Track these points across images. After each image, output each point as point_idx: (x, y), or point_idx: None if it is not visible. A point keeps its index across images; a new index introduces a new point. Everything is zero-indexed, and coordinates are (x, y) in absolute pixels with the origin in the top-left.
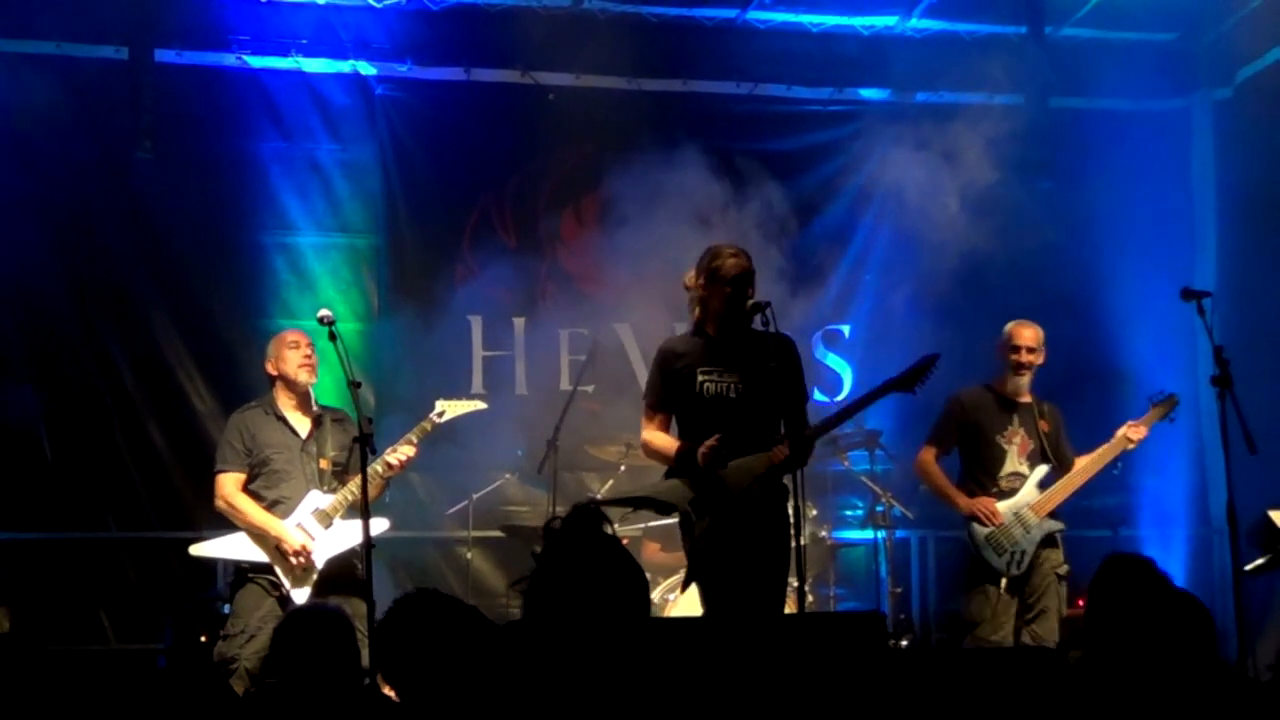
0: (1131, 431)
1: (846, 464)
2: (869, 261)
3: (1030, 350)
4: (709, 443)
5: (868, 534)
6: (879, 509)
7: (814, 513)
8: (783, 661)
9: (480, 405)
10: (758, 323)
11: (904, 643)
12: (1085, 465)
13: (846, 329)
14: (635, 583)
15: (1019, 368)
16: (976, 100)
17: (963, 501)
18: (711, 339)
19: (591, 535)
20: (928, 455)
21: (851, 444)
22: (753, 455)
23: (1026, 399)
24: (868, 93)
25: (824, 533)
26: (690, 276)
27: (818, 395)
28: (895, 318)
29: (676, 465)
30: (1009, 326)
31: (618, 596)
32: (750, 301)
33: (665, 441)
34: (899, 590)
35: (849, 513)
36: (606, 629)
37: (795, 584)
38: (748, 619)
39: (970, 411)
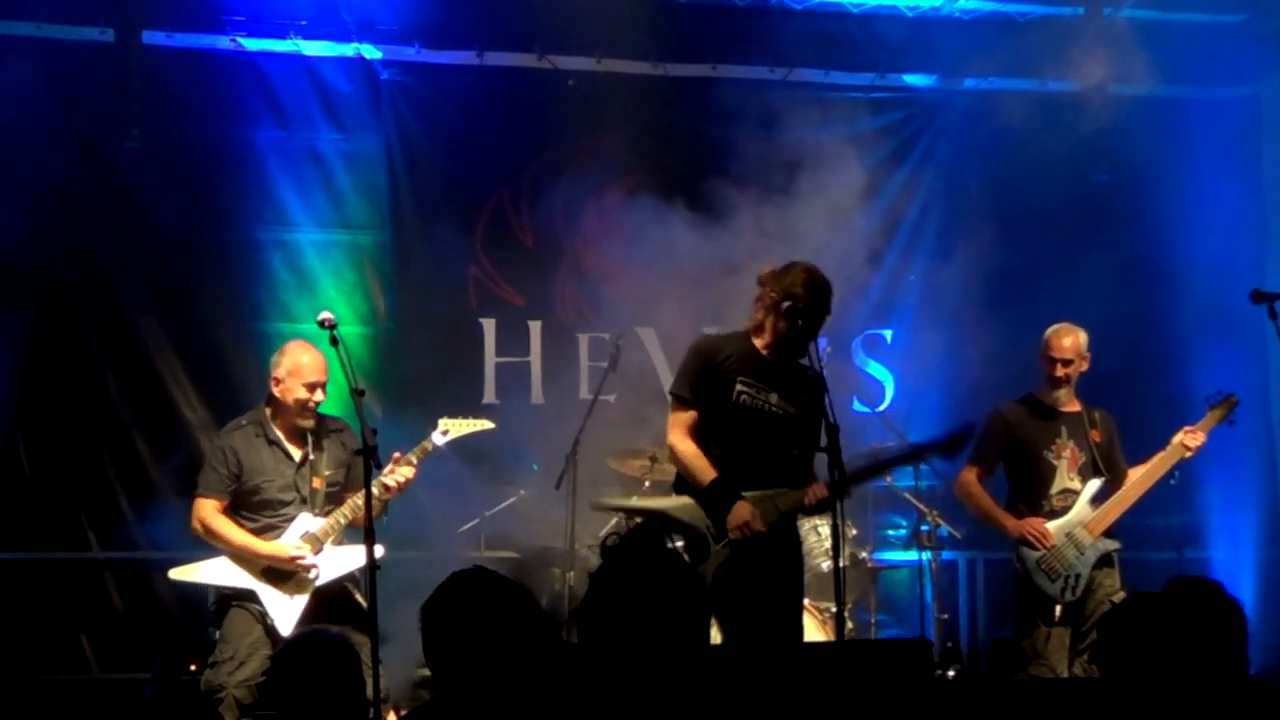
0: (1188, 438)
1: (889, 480)
2: (913, 262)
3: (1067, 362)
4: (752, 525)
5: (912, 555)
6: (924, 528)
7: (854, 533)
8: (822, 692)
9: (487, 425)
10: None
11: (950, 673)
12: (1140, 477)
13: (889, 334)
14: (697, 600)
15: (1057, 381)
16: (1029, 87)
17: (1010, 523)
18: (758, 351)
19: (651, 552)
20: (969, 476)
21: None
22: (775, 490)
23: (1074, 407)
24: (912, 79)
25: (864, 554)
26: (767, 274)
27: (857, 405)
28: (941, 322)
29: (702, 494)
30: (1047, 334)
31: (680, 615)
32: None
33: (700, 462)
34: (945, 616)
35: (892, 532)
36: (668, 651)
37: (834, 609)
38: (775, 647)
39: (1014, 427)
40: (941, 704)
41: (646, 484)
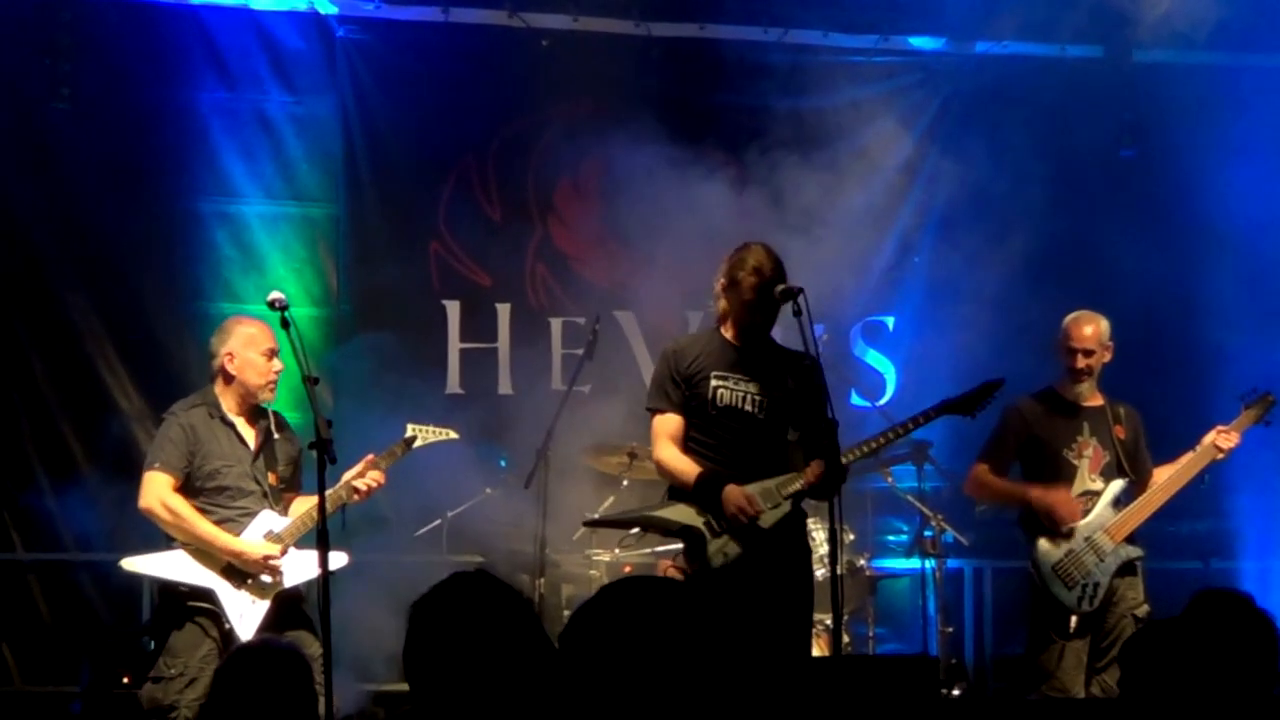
0: (1221, 439)
1: (890, 481)
2: (918, 242)
3: (1088, 353)
4: (746, 507)
5: (914, 563)
6: (927, 534)
7: (851, 538)
8: (817, 712)
9: (453, 435)
10: (789, 311)
11: (956, 692)
12: (1167, 480)
13: (890, 321)
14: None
15: (1077, 374)
16: (1048, 52)
17: (1035, 494)
18: (728, 343)
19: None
20: (980, 470)
21: (896, 457)
22: (775, 478)
23: (1097, 401)
24: (919, 41)
25: (862, 561)
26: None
27: (855, 399)
28: (948, 309)
29: (693, 493)
30: (1065, 322)
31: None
32: (780, 287)
33: (684, 465)
34: (950, 630)
35: (892, 538)
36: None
37: (829, 622)
38: (776, 661)
39: (1032, 424)
40: None
41: (625, 482)
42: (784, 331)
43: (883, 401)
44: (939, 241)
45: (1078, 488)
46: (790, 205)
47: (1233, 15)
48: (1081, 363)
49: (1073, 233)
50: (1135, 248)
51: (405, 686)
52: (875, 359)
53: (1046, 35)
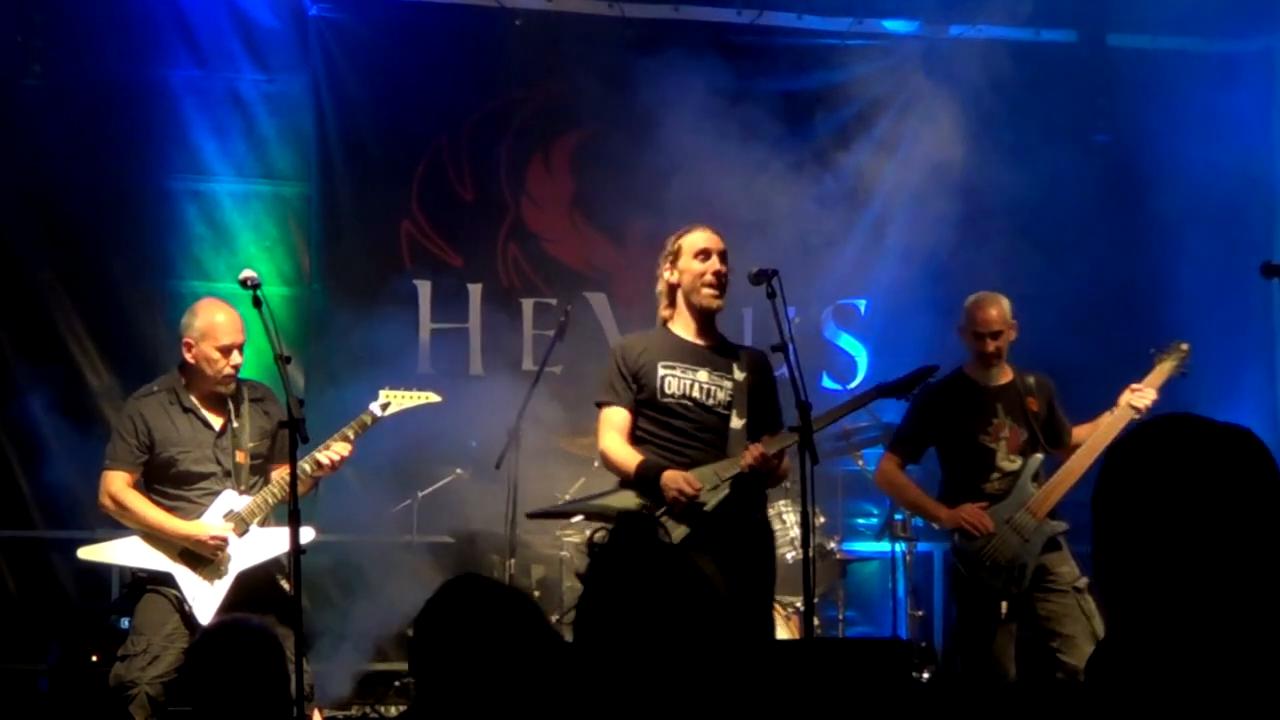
0: (1135, 397)
1: (861, 464)
2: (891, 225)
3: (996, 335)
4: (684, 488)
5: (884, 546)
6: (898, 517)
7: (821, 520)
8: (789, 694)
9: (433, 398)
10: (762, 294)
11: (925, 675)
12: (1087, 445)
13: (862, 304)
14: (704, 600)
15: (988, 358)
16: (1021, 36)
17: (945, 514)
18: (674, 334)
19: (647, 547)
20: (889, 465)
21: (867, 440)
22: (719, 462)
23: (1006, 378)
24: (893, 25)
25: (832, 544)
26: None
27: (827, 382)
28: (920, 292)
29: (634, 483)
30: (968, 306)
31: (684, 616)
32: (754, 271)
33: (624, 453)
34: (920, 614)
35: (862, 521)
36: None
37: (799, 605)
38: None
39: (944, 412)
40: (915, 708)
41: (596, 463)
42: (756, 314)
43: (854, 384)
44: (912, 225)
45: (997, 470)
46: (761, 185)
47: (1204, 1)
48: (990, 346)
49: (1046, 218)
50: (1107, 231)
51: (380, 667)
52: (847, 342)
53: (1020, 19)
